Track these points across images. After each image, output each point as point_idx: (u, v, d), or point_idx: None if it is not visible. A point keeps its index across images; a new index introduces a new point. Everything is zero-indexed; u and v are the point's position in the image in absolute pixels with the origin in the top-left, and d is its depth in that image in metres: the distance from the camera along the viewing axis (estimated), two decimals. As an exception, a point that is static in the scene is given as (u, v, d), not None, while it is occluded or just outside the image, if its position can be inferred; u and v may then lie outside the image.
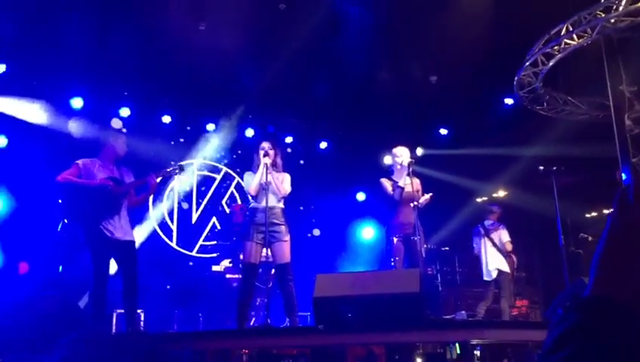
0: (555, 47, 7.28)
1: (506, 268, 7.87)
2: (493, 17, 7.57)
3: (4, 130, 8.02)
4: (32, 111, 8.05)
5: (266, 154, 5.62)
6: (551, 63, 7.50)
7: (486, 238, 8.09)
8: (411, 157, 6.24)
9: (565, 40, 7.15)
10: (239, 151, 9.91)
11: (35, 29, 7.57)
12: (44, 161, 7.35)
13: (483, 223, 8.25)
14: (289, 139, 10.12)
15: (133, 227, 5.70)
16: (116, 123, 8.65)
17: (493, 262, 7.92)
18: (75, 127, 8.06)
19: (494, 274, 7.82)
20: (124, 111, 8.97)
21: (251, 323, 6.89)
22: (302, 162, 10.14)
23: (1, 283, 7.12)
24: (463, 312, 6.48)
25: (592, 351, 0.69)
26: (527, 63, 7.67)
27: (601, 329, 0.72)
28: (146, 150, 8.71)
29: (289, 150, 9.90)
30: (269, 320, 5.44)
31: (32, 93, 8.07)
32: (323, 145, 10.49)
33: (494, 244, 8.00)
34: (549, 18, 7.22)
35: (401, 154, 6.27)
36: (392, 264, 6.08)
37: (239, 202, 9.62)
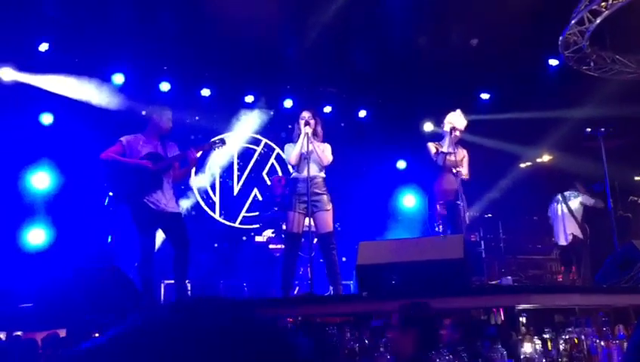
0: (602, 4, 6.99)
1: (579, 235, 8.07)
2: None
3: (50, 107, 8.21)
4: (76, 88, 8.20)
5: (307, 124, 5.61)
6: (598, 21, 7.20)
7: (563, 205, 8.28)
8: (450, 122, 6.14)
9: (613, -5, 6.85)
10: (279, 122, 9.92)
11: (76, 7, 7.68)
12: (89, 137, 7.51)
13: (563, 193, 8.43)
14: (328, 109, 10.06)
15: (177, 200, 5.79)
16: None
17: (569, 227, 8.14)
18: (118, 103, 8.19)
19: (570, 239, 7.92)
20: (165, 86, 9.06)
21: (295, 292, 6.96)
22: (342, 125, 10.11)
23: (54, 256, 7.38)
24: (509, 278, 6.40)
25: None
26: (573, 22, 7.39)
27: None
28: (186, 123, 8.82)
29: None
30: (312, 289, 5.49)
31: (74, 70, 8.21)
32: (362, 113, 10.40)
33: (570, 211, 8.19)
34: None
35: (449, 121, 6.20)
36: (437, 230, 6.06)
37: (280, 173, 9.67)
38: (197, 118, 9.39)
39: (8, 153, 7.62)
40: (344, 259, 7.46)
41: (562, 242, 8.09)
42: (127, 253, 6.62)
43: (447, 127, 6.10)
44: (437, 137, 6.41)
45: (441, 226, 6.09)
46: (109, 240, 6.52)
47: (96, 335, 4.63)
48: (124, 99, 8.26)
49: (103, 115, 8.13)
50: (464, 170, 6.09)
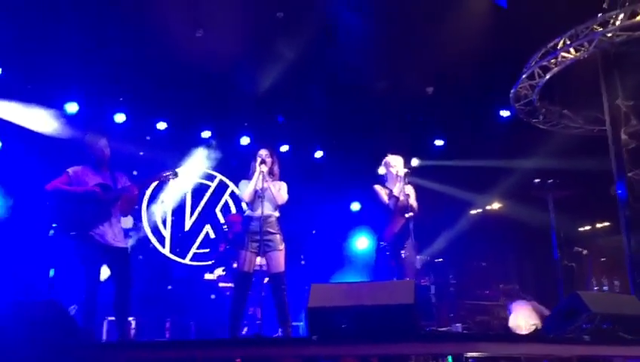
0: (552, 61, 7.28)
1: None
2: (491, 29, 7.58)
3: (-1, 133, 7.96)
4: (27, 116, 7.98)
5: (262, 162, 5.58)
6: (547, 76, 7.50)
7: (530, 303, 8.32)
8: (407, 168, 6.14)
9: (562, 53, 7.15)
10: (234, 159, 9.86)
11: (31, 33, 7.53)
12: (38, 166, 7.29)
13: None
14: (285, 148, 10.08)
15: (126, 233, 5.64)
16: None
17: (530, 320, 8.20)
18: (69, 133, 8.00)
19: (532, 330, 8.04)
20: (120, 117, 8.91)
21: (243, 333, 6.82)
22: (299, 164, 10.11)
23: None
24: (458, 325, 6.45)
25: None
26: (524, 76, 7.66)
27: None
28: (138, 156, 8.67)
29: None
30: (261, 330, 5.38)
31: (27, 98, 8.01)
32: (318, 154, 10.45)
33: (535, 308, 8.25)
34: (546, 31, 7.23)
35: (395, 164, 6.19)
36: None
37: (233, 210, 9.56)
38: (141, 153, 9.11)
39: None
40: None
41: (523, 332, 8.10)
42: (70, 287, 6.37)
43: (401, 172, 6.05)
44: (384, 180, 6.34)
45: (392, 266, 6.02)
46: (52, 273, 6.27)
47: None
48: (76, 128, 8.07)
49: (53, 144, 7.92)
50: (414, 205, 6.03)
